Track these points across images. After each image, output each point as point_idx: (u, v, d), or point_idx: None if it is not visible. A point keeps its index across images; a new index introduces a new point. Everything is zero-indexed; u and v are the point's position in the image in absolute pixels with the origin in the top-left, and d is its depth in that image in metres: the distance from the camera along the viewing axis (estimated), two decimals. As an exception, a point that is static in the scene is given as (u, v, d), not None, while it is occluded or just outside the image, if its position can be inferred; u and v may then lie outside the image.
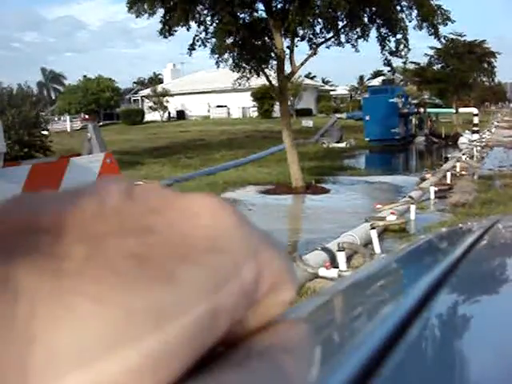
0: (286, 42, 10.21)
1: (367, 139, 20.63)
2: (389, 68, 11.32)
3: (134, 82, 65.06)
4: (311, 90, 45.03)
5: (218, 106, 42.34)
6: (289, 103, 13.33)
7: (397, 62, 12.41)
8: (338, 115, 25.76)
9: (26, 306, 0.14)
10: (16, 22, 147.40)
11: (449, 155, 15.23)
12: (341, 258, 4.22)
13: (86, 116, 38.46)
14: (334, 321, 0.42)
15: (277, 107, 24.41)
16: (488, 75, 28.77)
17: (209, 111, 42.70)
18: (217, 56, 10.45)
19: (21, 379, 0.13)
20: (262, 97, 35.06)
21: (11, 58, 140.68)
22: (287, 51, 10.19)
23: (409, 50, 10.45)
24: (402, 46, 10.39)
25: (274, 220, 7.28)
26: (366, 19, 10.16)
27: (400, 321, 0.34)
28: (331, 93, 55.06)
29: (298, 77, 27.12)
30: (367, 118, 20.62)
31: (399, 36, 10.29)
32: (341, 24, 10.30)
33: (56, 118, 41.09)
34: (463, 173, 10.83)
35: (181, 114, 43.15)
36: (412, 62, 25.60)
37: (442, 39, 11.36)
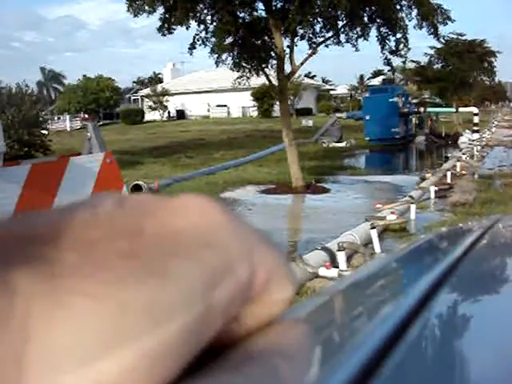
0: (286, 42, 10.20)
1: (367, 139, 20.61)
2: (389, 67, 11.33)
3: (134, 82, 65.00)
4: (311, 90, 45.02)
5: (218, 106, 42.33)
6: (289, 103, 13.31)
7: (397, 62, 12.44)
8: (338, 115, 25.72)
9: (22, 306, 0.14)
10: (16, 22, 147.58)
11: (449, 154, 15.20)
12: (341, 257, 4.22)
13: (86, 115, 38.43)
14: (334, 321, 0.42)
15: (277, 107, 24.38)
16: (488, 74, 28.75)
17: (209, 111, 42.70)
18: (216, 56, 10.45)
19: (17, 378, 0.13)
20: (262, 96, 35.07)
21: (11, 58, 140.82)
22: (287, 50, 10.19)
23: (409, 49, 10.47)
24: (401, 46, 10.39)
25: (274, 219, 7.27)
26: (366, 18, 10.15)
27: (400, 321, 0.34)
28: (331, 92, 55.12)
29: (297, 76, 27.04)
30: (367, 117, 20.58)
31: (399, 35, 10.30)
32: (341, 23, 10.30)
33: (56, 118, 41.13)
34: (463, 172, 10.82)
35: (181, 114, 43.14)
36: (412, 61, 25.67)
37: (442, 39, 11.36)
